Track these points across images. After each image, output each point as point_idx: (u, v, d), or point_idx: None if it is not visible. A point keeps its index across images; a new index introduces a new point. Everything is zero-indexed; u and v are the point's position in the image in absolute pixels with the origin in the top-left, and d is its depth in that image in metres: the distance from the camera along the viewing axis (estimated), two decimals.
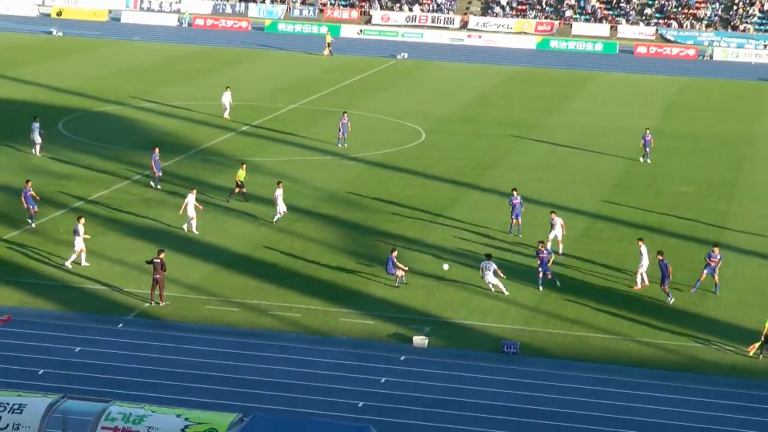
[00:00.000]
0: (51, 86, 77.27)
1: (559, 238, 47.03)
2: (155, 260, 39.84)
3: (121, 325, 38.30)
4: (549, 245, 45.02)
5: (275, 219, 49.14)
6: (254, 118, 69.75)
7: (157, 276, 39.72)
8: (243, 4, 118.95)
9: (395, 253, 42.49)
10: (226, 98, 69.28)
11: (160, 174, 53.74)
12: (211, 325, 38.68)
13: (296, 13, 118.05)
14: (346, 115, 64.07)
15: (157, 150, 54.01)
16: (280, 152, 60.67)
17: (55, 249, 45.05)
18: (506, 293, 42.07)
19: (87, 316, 38.98)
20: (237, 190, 52.16)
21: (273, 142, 64.39)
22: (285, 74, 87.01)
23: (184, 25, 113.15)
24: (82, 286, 41.55)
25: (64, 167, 57.04)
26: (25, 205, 47.24)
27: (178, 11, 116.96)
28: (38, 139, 58.44)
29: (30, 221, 47.43)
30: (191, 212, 47.71)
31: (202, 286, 42.01)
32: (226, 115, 68.89)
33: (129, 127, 66.88)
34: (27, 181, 48.15)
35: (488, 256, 42.63)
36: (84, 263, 42.98)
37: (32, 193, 47.43)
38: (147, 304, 39.96)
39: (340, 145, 63.23)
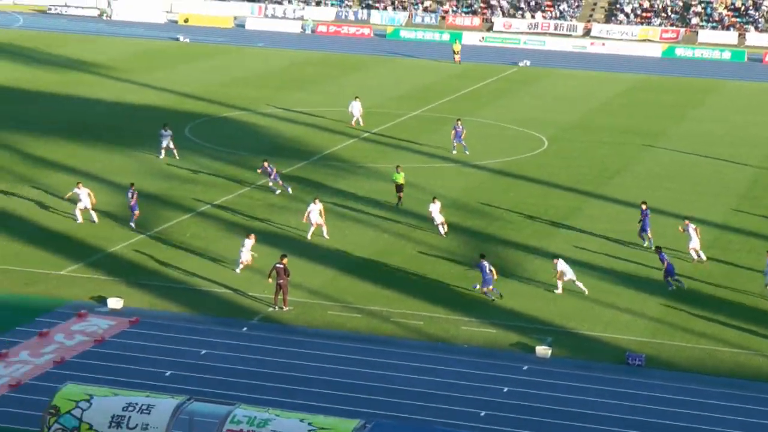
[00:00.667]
0: (177, 92, 78.48)
1: (697, 246, 46.34)
2: (278, 265, 40.16)
3: (245, 328, 38.68)
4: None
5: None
6: (376, 125, 69.96)
7: (281, 281, 40.04)
8: (365, 11, 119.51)
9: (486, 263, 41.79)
10: (356, 107, 69.38)
11: (280, 182, 53.96)
12: (333, 330, 38.85)
13: (418, 20, 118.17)
14: (459, 122, 63.96)
15: (266, 164, 53.97)
16: (402, 159, 60.74)
17: (182, 252, 45.71)
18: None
19: (212, 319, 39.44)
20: (399, 194, 52.72)
21: (394, 148, 64.50)
22: (407, 81, 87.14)
23: (307, 32, 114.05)
24: (208, 289, 42.06)
25: (190, 172, 57.85)
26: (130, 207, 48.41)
27: (301, 18, 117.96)
28: (167, 144, 59.32)
29: (131, 223, 48.50)
30: (315, 219, 47.96)
31: (325, 292, 42.22)
32: (354, 122, 69.15)
33: (253, 133, 67.59)
34: (131, 184, 49.35)
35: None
36: (237, 270, 43.54)
37: (134, 196, 48.41)
38: (271, 309, 40.29)
39: (454, 153, 63.11)
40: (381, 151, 63.91)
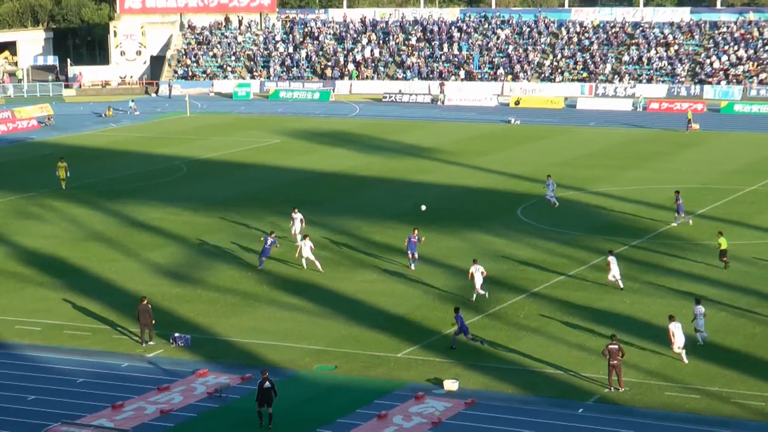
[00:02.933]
0: (509, 173, 79.30)
1: None
2: (611, 346, 39.68)
3: (581, 410, 38.29)
4: None
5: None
6: (713, 201, 68.34)
7: (614, 361, 39.50)
8: (698, 86, 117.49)
9: None
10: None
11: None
12: (671, 411, 37.91)
13: (753, 93, 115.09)
14: None
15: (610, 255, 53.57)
16: (739, 235, 58.92)
17: (516, 333, 45.86)
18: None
19: (547, 400, 39.25)
20: (724, 259, 52.57)
21: (730, 224, 62.69)
22: (741, 155, 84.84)
23: (638, 109, 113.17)
24: (542, 370, 41.96)
25: (523, 252, 58.14)
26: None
27: (632, 96, 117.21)
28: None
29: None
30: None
31: (661, 372, 41.31)
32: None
33: (585, 212, 67.32)
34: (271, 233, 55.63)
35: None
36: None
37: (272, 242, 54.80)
38: (606, 390, 39.76)
39: None
40: (716, 227, 62.19)
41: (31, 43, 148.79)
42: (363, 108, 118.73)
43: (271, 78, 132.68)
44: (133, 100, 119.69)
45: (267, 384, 37.44)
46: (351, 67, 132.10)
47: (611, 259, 51.52)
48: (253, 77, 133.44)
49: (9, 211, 69.52)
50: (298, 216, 59.77)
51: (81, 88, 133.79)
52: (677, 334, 42.10)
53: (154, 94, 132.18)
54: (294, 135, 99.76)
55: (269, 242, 55.36)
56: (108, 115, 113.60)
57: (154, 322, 45.36)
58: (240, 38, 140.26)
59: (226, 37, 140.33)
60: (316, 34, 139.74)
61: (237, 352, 44.20)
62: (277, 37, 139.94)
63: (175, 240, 61.38)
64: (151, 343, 45.08)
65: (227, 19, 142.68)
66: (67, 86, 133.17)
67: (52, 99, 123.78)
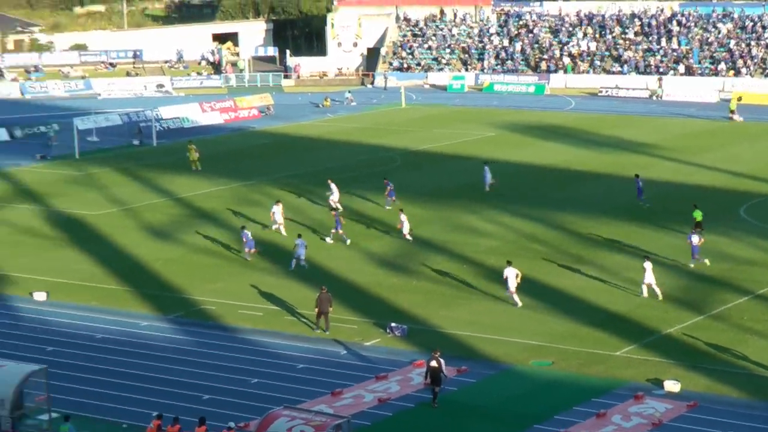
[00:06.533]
0: (730, 171, 77.21)
1: None
2: None
3: None
4: None
5: None
6: None
7: None
8: None
9: None
10: None
11: None
12: None
13: None
14: None
15: None
16: None
17: (741, 336, 44.56)
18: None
19: None
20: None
21: None
22: None
23: None
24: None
25: (746, 252, 56.51)
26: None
27: None
28: None
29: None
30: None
31: None
32: None
33: None
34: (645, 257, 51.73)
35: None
36: None
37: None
38: None
39: None
40: None
41: (252, 35, 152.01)
42: (578, 102, 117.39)
43: (485, 71, 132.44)
44: (349, 91, 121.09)
45: (433, 363, 38.05)
46: (566, 60, 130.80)
47: (647, 265, 49.58)
48: (467, 70, 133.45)
49: (231, 198, 71.22)
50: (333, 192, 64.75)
51: (299, 79, 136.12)
52: None
53: (369, 86, 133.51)
54: (508, 128, 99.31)
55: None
56: (325, 105, 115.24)
57: (332, 309, 45.78)
58: (455, 30, 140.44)
59: (441, 30, 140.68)
60: (530, 27, 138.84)
61: (453, 344, 44.19)
62: (492, 30, 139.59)
63: (391, 230, 61.81)
64: (326, 332, 45.43)
65: (442, 12, 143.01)
66: (286, 77, 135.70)
67: (272, 89, 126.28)
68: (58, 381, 38.75)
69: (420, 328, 46.16)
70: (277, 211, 61.06)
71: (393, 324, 45.92)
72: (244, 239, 56.42)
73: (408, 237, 59.50)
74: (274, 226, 60.83)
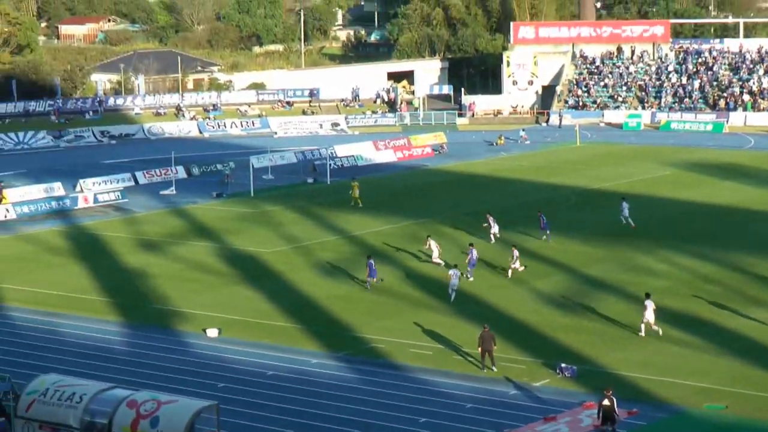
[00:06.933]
0: None
1: None
2: None
3: None
4: None
5: None
6: None
7: None
8: None
9: None
10: None
11: None
12: None
13: None
14: None
15: None
16: None
17: None
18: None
19: None
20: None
21: None
22: None
23: None
24: None
25: None
26: None
27: None
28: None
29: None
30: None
31: None
32: None
33: None
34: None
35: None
36: None
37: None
38: None
39: None
40: None
41: (428, 73, 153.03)
42: (758, 140, 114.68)
43: (662, 108, 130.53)
44: (524, 129, 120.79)
45: (606, 402, 38.11)
46: (746, 97, 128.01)
47: (648, 303, 49.25)
48: (644, 107, 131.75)
49: (404, 236, 71.53)
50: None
51: (473, 117, 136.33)
52: None
53: (544, 124, 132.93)
54: (684, 167, 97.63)
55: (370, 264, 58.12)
56: (499, 143, 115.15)
57: (496, 347, 45.44)
58: (632, 68, 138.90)
59: (618, 67, 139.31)
60: (710, 65, 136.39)
61: (623, 385, 43.38)
62: (670, 68, 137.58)
63: (562, 268, 61.19)
64: (493, 369, 45.07)
65: (619, 49, 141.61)
66: (460, 115, 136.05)
67: (446, 127, 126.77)
68: (228, 417, 39.36)
69: (590, 369, 45.50)
70: (433, 244, 62.63)
71: (563, 364, 45.39)
72: (368, 269, 58.02)
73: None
74: (435, 259, 62.12)
